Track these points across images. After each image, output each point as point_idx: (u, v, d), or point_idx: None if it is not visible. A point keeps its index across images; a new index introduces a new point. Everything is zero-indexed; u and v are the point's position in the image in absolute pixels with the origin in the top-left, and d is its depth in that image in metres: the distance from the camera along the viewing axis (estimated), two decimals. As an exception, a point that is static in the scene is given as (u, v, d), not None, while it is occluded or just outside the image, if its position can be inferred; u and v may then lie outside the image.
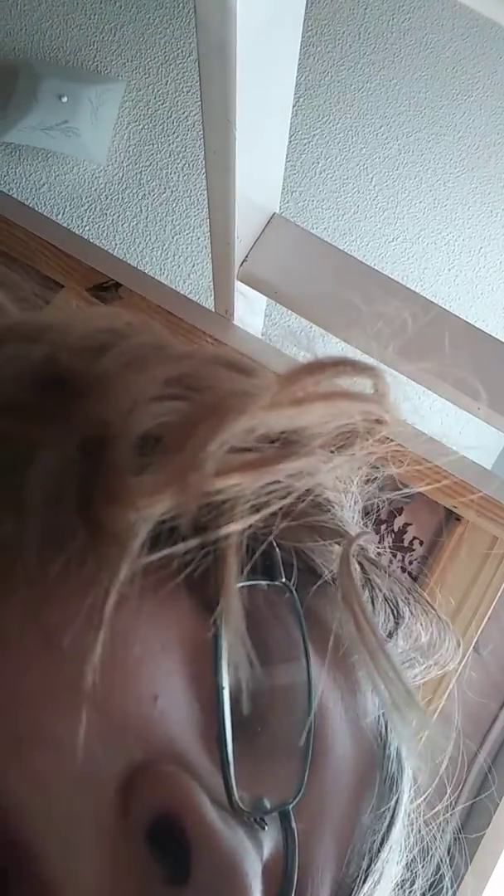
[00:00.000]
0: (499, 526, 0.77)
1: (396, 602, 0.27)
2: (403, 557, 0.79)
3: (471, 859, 0.66)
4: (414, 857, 0.27)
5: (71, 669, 0.17)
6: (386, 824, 0.24)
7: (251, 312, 0.84)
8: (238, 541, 0.20)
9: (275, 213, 0.74)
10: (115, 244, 1.69)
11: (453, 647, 0.28)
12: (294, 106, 0.65)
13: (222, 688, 0.19)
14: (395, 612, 0.27)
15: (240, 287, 0.75)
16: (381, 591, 0.26)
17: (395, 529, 0.79)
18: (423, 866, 0.28)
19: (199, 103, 0.47)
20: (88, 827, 0.16)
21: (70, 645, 0.17)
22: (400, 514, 0.80)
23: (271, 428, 0.19)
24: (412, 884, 0.28)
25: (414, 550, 0.79)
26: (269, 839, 0.20)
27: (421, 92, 1.86)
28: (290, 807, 0.20)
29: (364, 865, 0.23)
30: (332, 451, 0.22)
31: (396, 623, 0.27)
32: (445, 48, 1.89)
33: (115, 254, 0.84)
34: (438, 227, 1.79)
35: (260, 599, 0.21)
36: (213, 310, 0.81)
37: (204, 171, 0.55)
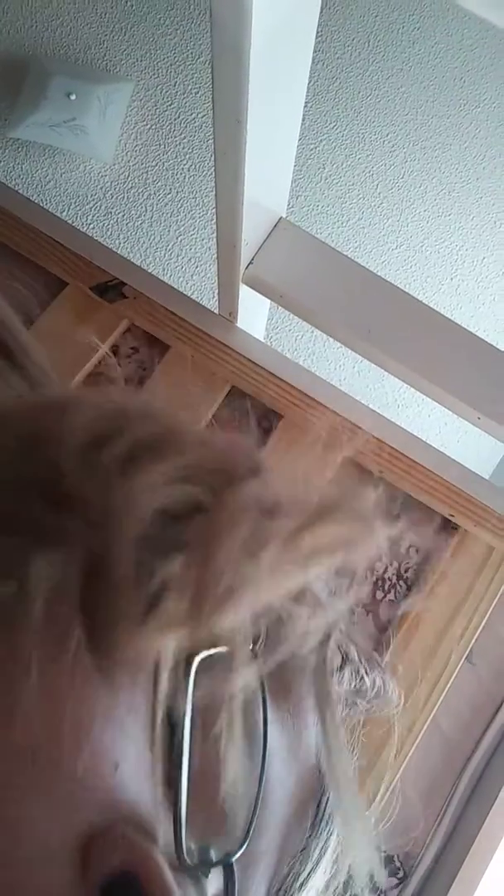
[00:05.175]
0: (495, 536, 0.77)
1: (348, 649, 0.29)
2: (399, 565, 0.79)
3: (460, 866, 0.66)
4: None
5: (37, 750, 0.18)
6: (318, 852, 0.26)
7: (255, 315, 0.84)
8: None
9: (281, 217, 0.74)
10: (120, 243, 1.69)
11: (395, 694, 0.30)
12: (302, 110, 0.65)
13: (184, 747, 0.20)
14: (346, 656, 0.29)
15: (244, 290, 0.75)
16: (334, 637, 0.28)
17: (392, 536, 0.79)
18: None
19: (207, 105, 0.47)
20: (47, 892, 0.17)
21: (38, 726, 0.18)
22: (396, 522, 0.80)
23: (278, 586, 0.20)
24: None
25: (410, 558, 0.79)
26: (212, 885, 0.21)
27: (428, 101, 1.86)
28: (233, 861, 0.21)
29: (293, 885, 0.25)
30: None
31: (343, 662, 0.29)
32: (454, 58, 1.89)
33: (119, 252, 0.84)
34: (442, 235, 1.80)
35: (219, 664, 0.22)
36: (217, 312, 0.81)
37: (210, 173, 0.55)
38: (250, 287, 0.74)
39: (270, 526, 0.20)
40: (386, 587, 0.78)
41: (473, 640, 0.75)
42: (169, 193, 1.71)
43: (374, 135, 1.83)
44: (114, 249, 0.84)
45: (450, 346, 0.75)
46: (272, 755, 0.24)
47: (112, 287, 0.81)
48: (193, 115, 1.73)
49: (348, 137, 1.82)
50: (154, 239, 1.70)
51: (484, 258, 1.79)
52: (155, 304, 0.80)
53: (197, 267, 1.69)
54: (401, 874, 0.73)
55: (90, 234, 0.85)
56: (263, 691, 0.24)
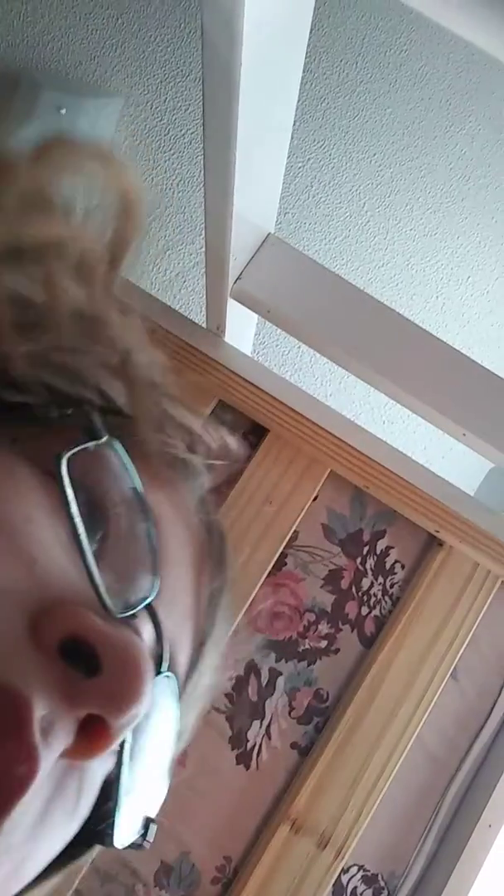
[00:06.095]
0: (480, 552, 0.78)
1: (189, 423, 0.33)
2: (385, 580, 0.79)
3: (445, 884, 0.66)
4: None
5: None
6: (221, 590, 0.32)
7: (242, 330, 0.85)
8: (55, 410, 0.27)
9: (270, 233, 0.74)
10: (107, 257, 1.69)
11: (236, 443, 0.35)
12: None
13: (76, 523, 0.24)
14: (190, 432, 0.32)
15: (232, 304, 0.75)
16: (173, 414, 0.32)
17: (378, 552, 0.79)
18: None
19: (196, 122, 0.47)
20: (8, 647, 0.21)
21: None
22: (382, 538, 0.80)
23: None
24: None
25: (395, 574, 0.79)
26: (144, 630, 0.26)
27: (415, 122, 1.89)
28: (151, 601, 0.26)
29: (209, 624, 0.31)
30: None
31: (191, 438, 0.33)
32: (440, 81, 1.92)
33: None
34: (427, 254, 1.82)
35: (91, 459, 0.26)
36: (205, 326, 0.82)
37: (198, 188, 0.55)
38: (238, 302, 0.75)
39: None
40: (371, 602, 0.78)
41: (458, 656, 0.75)
42: (157, 208, 1.71)
43: (361, 154, 1.85)
44: (102, 263, 0.84)
45: (435, 362, 0.75)
46: (160, 522, 0.28)
47: (100, 300, 0.81)
48: (182, 131, 1.74)
49: (336, 156, 1.83)
50: (141, 253, 1.70)
51: (469, 277, 1.81)
52: (142, 317, 0.80)
53: (184, 282, 1.69)
54: (384, 894, 0.72)
55: (79, 248, 0.85)
56: (130, 473, 0.28)
